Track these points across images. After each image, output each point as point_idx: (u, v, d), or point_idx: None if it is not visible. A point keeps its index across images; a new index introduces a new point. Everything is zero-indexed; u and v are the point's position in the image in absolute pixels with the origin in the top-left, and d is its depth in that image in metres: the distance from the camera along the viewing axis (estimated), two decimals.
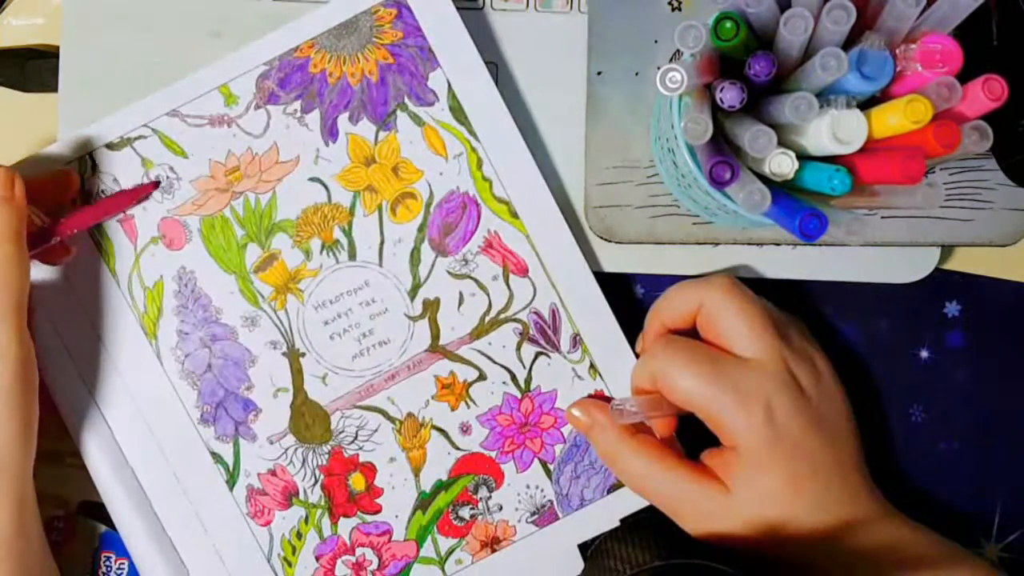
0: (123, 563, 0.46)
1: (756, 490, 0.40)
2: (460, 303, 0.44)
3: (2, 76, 0.46)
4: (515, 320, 0.44)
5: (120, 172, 0.43)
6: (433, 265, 0.44)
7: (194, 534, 0.44)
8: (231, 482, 0.44)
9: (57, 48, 0.46)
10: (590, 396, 0.45)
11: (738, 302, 0.41)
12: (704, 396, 0.40)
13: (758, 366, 0.40)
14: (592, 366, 0.45)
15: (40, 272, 0.43)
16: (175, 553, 0.43)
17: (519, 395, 0.45)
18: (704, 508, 0.41)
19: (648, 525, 0.45)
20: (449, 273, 0.44)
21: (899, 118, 0.34)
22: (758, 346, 0.40)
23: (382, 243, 0.44)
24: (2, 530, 0.37)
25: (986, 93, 0.35)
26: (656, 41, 0.45)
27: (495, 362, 0.44)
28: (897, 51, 0.36)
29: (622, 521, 0.45)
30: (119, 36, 0.45)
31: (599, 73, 0.45)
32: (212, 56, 0.43)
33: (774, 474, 0.40)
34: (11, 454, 0.37)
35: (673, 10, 0.45)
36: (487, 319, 0.44)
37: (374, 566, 0.44)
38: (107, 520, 0.45)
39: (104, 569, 0.46)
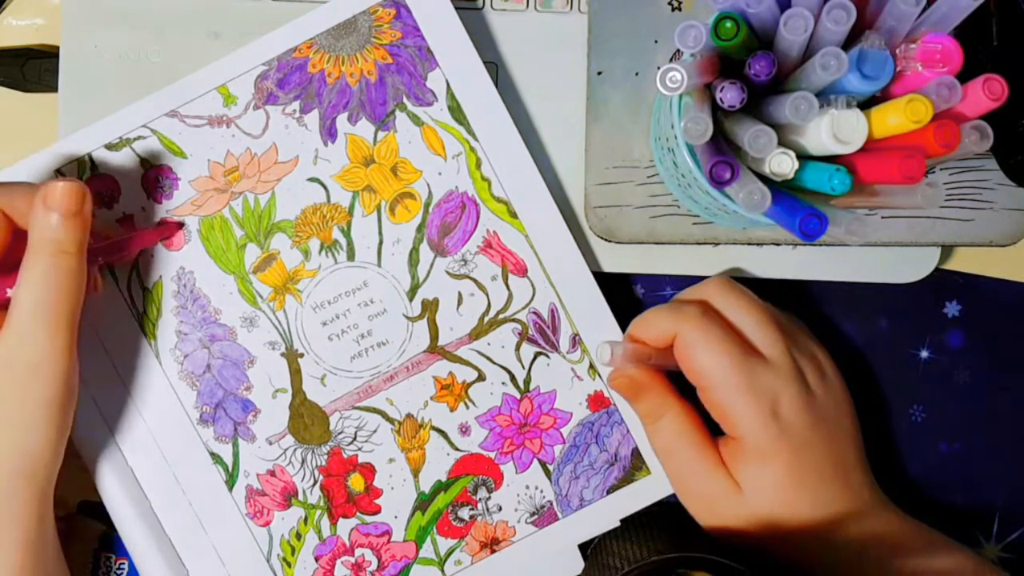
0: (123, 563, 0.46)
1: (760, 482, 0.40)
2: (459, 303, 0.44)
3: (2, 76, 0.46)
4: (514, 320, 0.44)
5: (119, 172, 0.43)
6: (432, 265, 0.44)
7: (193, 534, 0.43)
8: (230, 482, 0.44)
9: (57, 48, 0.46)
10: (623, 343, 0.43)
11: (745, 299, 0.42)
12: (721, 380, 0.40)
13: (769, 361, 0.40)
14: (591, 366, 0.45)
15: None
16: (174, 553, 0.43)
17: (518, 395, 0.44)
18: (713, 494, 0.41)
19: (647, 522, 0.45)
20: (448, 273, 0.44)
21: (899, 118, 0.34)
22: (768, 341, 0.41)
23: (381, 243, 0.44)
24: (27, 534, 0.38)
25: (986, 93, 0.35)
26: (656, 41, 0.45)
27: (494, 362, 0.44)
28: (897, 51, 0.36)
29: (622, 522, 0.45)
30: (119, 36, 0.45)
31: (599, 73, 0.45)
32: (212, 56, 0.43)
33: (777, 468, 0.40)
34: (43, 464, 0.38)
35: (673, 10, 0.45)
36: (486, 319, 0.44)
37: (373, 567, 0.44)
38: (107, 520, 0.45)
39: (104, 569, 0.46)
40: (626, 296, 0.47)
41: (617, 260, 0.46)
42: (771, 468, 0.40)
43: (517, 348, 0.44)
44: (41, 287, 0.37)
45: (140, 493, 0.43)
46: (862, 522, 0.41)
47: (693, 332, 0.40)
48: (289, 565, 0.44)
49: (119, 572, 0.46)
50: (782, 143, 0.36)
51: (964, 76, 0.35)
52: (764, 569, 0.41)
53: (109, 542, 0.47)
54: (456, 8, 0.43)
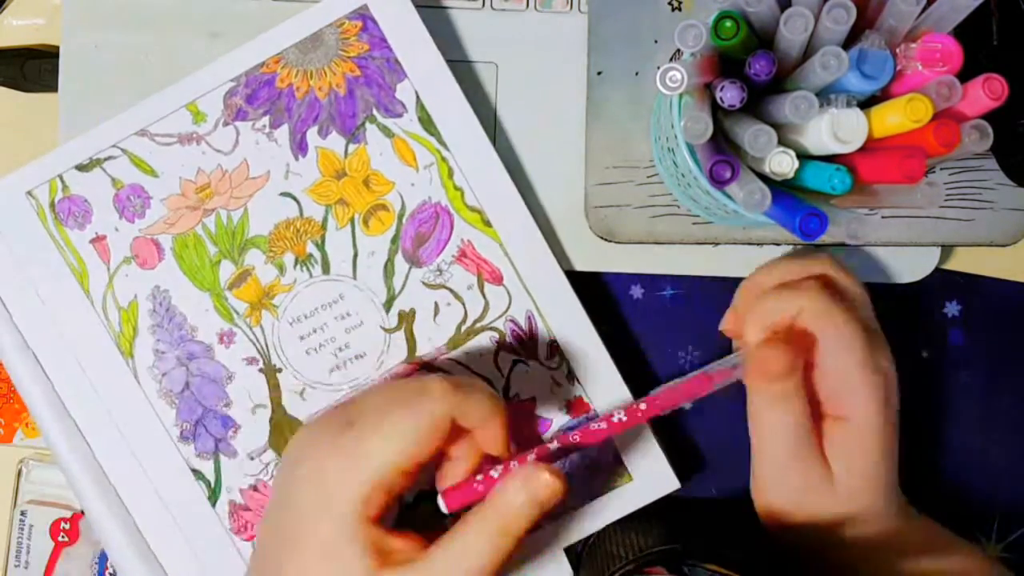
0: None
1: (854, 471, 0.40)
2: (436, 313, 0.44)
3: (2, 76, 0.47)
4: (491, 329, 0.44)
5: (91, 193, 0.43)
6: (407, 276, 0.44)
7: (178, 551, 0.44)
8: (212, 498, 0.44)
9: (57, 48, 0.46)
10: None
11: (854, 277, 0.41)
12: (853, 348, 0.39)
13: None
14: (570, 372, 0.44)
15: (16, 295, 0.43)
16: (161, 570, 0.43)
17: None
18: (809, 484, 0.40)
19: (645, 515, 0.45)
20: (424, 284, 0.44)
21: (899, 117, 0.34)
22: (875, 325, 0.41)
23: (355, 256, 0.44)
24: None
25: (986, 92, 0.35)
26: (656, 41, 0.45)
27: (473, 371, 0.44)
28: (897, 50, 0.36)
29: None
30: (119, 36, 0.46)
31: (599, 73, 0.45)
32: (212, 56, 0.43)
33: (876, 457, 0.40)
34: None
35: (673, 10, 0.45)
36: (463, 328, 0.44)
37: None
38: None
39: (111, 570, 0.47)
40: (626, 296, 0.47)
41: (617, 260, 0.46)
42: (871, 457, 0.39)
43: (495, 356, 0.44)
44: (473, 557, 0.35)
45: (123, 511, 0.43)
46: (890, 521, 0.41)
47: (820, 301, 0.39)
48: None
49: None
50: (782, 142, 0.36)
51: (964, 75, 0.35)
52: (776, 563, 0.41)
53: None
54: (455, 8, 0.43)
